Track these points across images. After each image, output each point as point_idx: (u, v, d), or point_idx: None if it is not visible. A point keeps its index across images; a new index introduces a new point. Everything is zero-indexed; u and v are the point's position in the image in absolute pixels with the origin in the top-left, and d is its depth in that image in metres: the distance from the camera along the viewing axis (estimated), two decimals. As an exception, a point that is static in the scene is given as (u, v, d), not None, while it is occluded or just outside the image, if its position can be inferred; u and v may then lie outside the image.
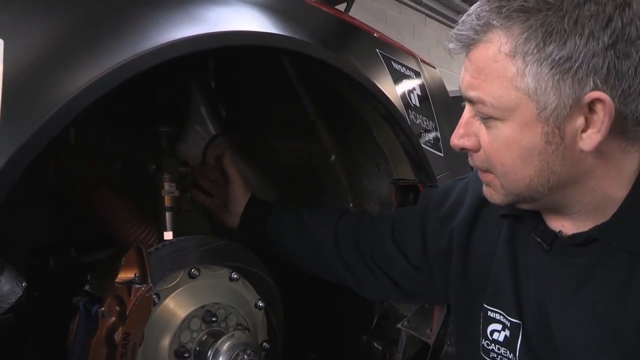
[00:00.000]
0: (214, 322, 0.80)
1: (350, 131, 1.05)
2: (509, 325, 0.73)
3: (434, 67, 1.23)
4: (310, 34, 0.86)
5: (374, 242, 0.92)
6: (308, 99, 1.05)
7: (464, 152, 0.69)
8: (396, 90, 1.01)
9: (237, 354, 0.77)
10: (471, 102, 0.65)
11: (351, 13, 1.66)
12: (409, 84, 1.06)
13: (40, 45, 0.56)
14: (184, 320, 0.78)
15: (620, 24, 0.56)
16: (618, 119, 0.58)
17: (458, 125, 0.67)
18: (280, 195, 1.21)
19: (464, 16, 0.64)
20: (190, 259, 0.83)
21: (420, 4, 5.48)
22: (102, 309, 0.68)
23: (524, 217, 0.73)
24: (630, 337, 0.61)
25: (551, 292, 0.69)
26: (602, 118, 0.58)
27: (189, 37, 0.64)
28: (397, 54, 1.08)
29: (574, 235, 0.67)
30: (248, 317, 0.86)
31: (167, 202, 0.91)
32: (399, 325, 1.03)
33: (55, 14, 0.59)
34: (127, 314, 0.68)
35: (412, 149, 0.97)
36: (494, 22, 0.60)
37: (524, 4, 0.58)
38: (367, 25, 1.10)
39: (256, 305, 0.89)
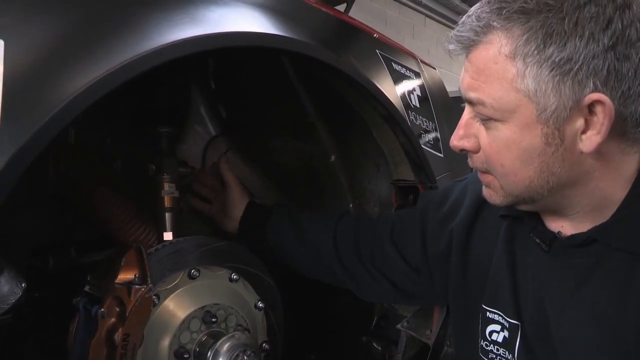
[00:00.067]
0: (213, 322, 0.80)
1: (350, 132, 1.05)
2: (507, 326, 0.73)
3: (434, 68, 1.23)
4: (310, 34, 0.86)
5: (373, 246, 0.92)
6: (308, 100, 1.05)
7: (463, 153, 0.69)
8: (396, 91, 1.01)
9: (237, 355, 0.77)
10: (471, 103, 0.65)
11: (351, 14, 1.66)
12: (409, 85, 1.06)
13: (41, 46, 0.56)
14: (183, 321, 0.78)
15: (620, 25, 0.56)
16: (618, 121, 0.59)
17: (458, 127, 0.67)
18: (280, 196, 1.21)
19: (464, 17, 0.64)
20: (190, 259, 0.83)
21: (420, 4, 5.48)
22: (102, 309, 0.68)
23: (523, 217, 0.73)
24: (629, 337, 0.61)
25: (550, 293, 0.69)
26: (601, 120, 0.58)
27: (189, 37, 0.64)
28: (397, 54, 1.08)
29: (573, 236, 0.67)
30: (248, 317, 0.86)
31: (167, 202, 0.91)
32: (398, 326, 1.03)
33: (56, 14, 0.59)
34: (127, 314, 0.68)
35: (412, 149, 0.97)
36: (494, 23, 0.60)
37: (524, 5, 0.58)
38: (367, 26, 1.10)
39: (256, 306, 0.89)
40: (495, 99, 0.61)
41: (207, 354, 0.78)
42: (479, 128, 0.65)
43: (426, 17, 5.73)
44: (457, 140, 0.67)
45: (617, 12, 0.57)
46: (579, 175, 0.63)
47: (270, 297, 0.92)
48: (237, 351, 0.77)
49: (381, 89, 0.92)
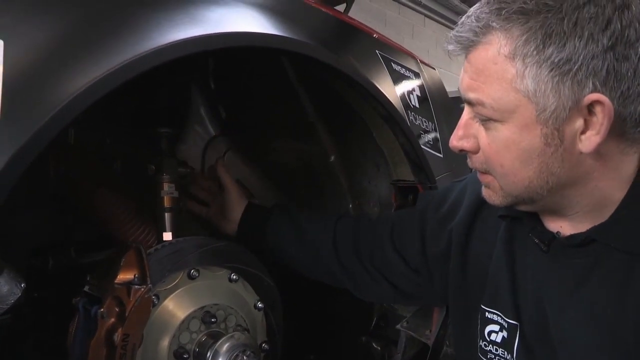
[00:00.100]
0: (213, 323, 0.80)
1: (350, 132, 1.05)
2: (506, 326, 0.73)
3: (433, 68, 1.23)
4: (310, 35, 0.86)
5: (373, 246, 0.92)
6: (308, 100, 1.05)
7: (463, 154, 0.69)
8: (396, 91, 1.01)
9: (237, 355, 0.77)
10: (470, 103, 0.65)
11: (350, 14, 1.66)
12: (409, 85, 1.07)
13: (41, 46, 0.56)
14: (183, 321, 0.78)
15: (619, 26, 0.56)
16: (617, 121, 0.59)
17: (457, 127, 0.67)
18: (280, 196, 1.21)
19: (463, 18, 0.64)
20: (190, 259, 0.83)
21: (419, 4, 5.48)
22: (102, 309, 0.68)
23: (522, 218, 0.73)
24: (628, 337, 0.61)
25: (549, 293, 0.69)
26: (601, 120, 0.58)
27: (189, 37, 0.65)
28: (397, 54, 1.08)
29: (572, 236, 0.67)
30: (247, 318, 0.86)
31: (167, 202, 0.91)
32: (398, 326, 1.03)
33: (56, 14, 0.59)
34: (127, 314, 0.68)
35: (411, 150, 0.97)
36: (494, 24, 0.60)
37: (524, 5, 0.58)
38: (367, 26, 1.10)
39: (255, 306, 0.89)
40: (495, 100, 0.61)
41: (206, 354, 0.78)
42: (478, 128, 0.65)
43: (425, 17, 5.74)
44: (457, 140, 0.67)
45: (616, 12, 0.57)
46: (578, 175, 0.63)
47: (270, 298, 0.92)
48: (236, 351, 0.77)
49: (381, 89, 0.92)
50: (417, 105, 1.05)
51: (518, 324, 0.72)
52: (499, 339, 0.74)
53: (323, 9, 0.99)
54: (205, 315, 0.80)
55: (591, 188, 0.64)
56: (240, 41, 0.72)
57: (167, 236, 0.90)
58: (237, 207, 1.00)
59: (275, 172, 1.20)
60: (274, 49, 0.78)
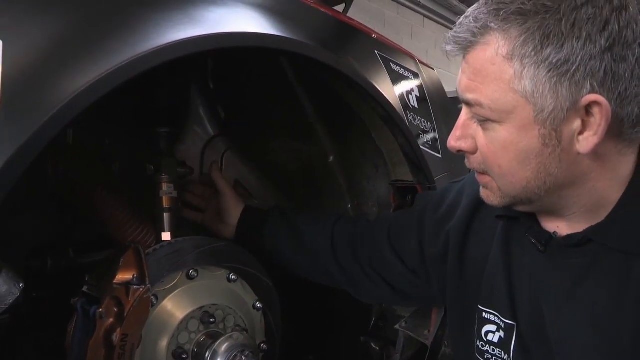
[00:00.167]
0: (212, 323, 0.80)
1: (349, 132, 1.05)
2: (503, 326, 0.74)
3: (432, 68, 1.24)
4: (308, 35, 0.87)
5: (371, 249, 0.92)
6: (307, 101, 1.05)
7: (460, 154, 0.69)
8: (395, 92, 1.01)
9: (235, 355, 0.77)
10: (468, 104, 0.65)
11: (349, 14, 1.67)
12: (408, 85, 1.07)
13: (40, 46, 0.56)
14: (182, 322, 0.78)
15: (617, 27, 0.57)
16: (614, 122, 0.59)
17: (455, 127, 0.68)
18: (278, 196, 1.21)
19: (461, 18, 0.64)
20: (189, 260, 0.83)
21: (419, 5, 5.48)
22: (100, 310, 0.68)
23: (519, 218, 0.73)
24: (625, 337, 0.61)
25: (546, 293, 0.69)
26: (599, 121, 0.58)
27: (188, 38, 0.65)
28: (396, 55, 1.08)
29: (569, 236, 0.68)
30: (246, 318, 0.86)
31: (165, 203, 0.91)
32: (396, 327, 1.03)
33: (55, 14, 0.59)
34: (125, 315, 0.68)
35: (410, 150, 0.97)
36: (492, 24, 0.60)
37: (522, 6, 0.58)
38: (366, 27, 1.10)
39: (254, 307, 0.89)
40: (493, 100, 0.61)
41: (205, 354, 0.78)
42: (476, 129, 0.66)
43: (425, 18, 5.74)
44: (455, 141, 0.67)
45: (614, 13, 0.57)
46: (576, 176, 0.63)
47: (269, 298, 0.93)
48: (235, 351, 0.77)
49: (380, 89, 0.92)
50: (416, 106, 1.06)
51: (515, 324, 0.72)
52: (496, 339, 0.74)
53: (322, 9, 0.99)
54: (204, 316, 0.80)
55: (589, 188, 0.64)
56: (237, 41, 0.73)
57: (166, 236, 0.90)
58: (234, 210, 1.00)
59: (274, 172, 1.20)
60: (272, 49, 0.78)
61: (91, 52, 0.58)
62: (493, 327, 0.75)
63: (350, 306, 1.07)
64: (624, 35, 0.57)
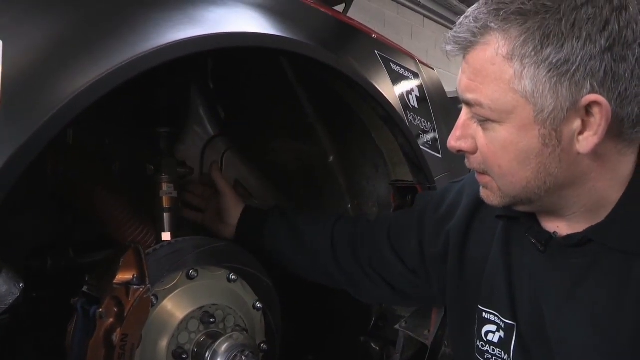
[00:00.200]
0: (212, 323, 0.80)
1: (349, 133, 1.05)
2: (503, 326, 0.74)
3: (432, 68, 1.24)
4: (309, 35, 0.87)
5: (371, 249, 0.92)
6: (307, 101, 1.05)
7: (460, 154, 0.69)
8: (395, 92, 1.01)
9: (235, 355, 0.77)
10: (468, 104, 0.65)
11: (349, 14, 1.67)
12: (408, 85, 1.07)
13: (40, 46, 0.56)
14: (182, 322, 0.78)
15: (617, 27, 0.57)
16: (614, 122, 0.59)
17: (455, 127, 0.68)
18: (278, 196, 1.21)
19: (461, 18, 0.64)
20: (189, 260, 0.83)
21: (419, 5, 5.48)
22: (100, 310, 0.68)
23: (519, 218, 0.73)
24: (625, 337, 0.61)
25: (546, 293, 0.69)
26: (598, 121, 0.58)
27: (188, 38, 0.65)
28: (396, 55, 1.08)
29: (569, 236, 0.68)
30: (246, 318, 0.86)
31: (165, 203, 0.91)
32: (396, 327, 1.03)
33: (55, 14, 0.59)
34: (125, 315, 0.68)
35: (410, 150, 0.97)
36: (492, 24, 0.60)
37: (522, 6, 0.58)
38: (366, 27, 1.10)
39: (254, 307, 0.89)
40: (493, 100, 0.61)
41: (205, 354, 0.78)
42: (476, 129, 0.66)
43: (425, 18, 5.74)
44: (455, 141, 0.67)
45: (614, 13, 0.57)
46: (576, 176, 0.63)
47: (269, 298, 0.93)
48: (235, 351, 0.77)
49: (380, 89, 0.92)
50: (416, 106, 1.06)
51: (515, 324, 0.72)
52: (496, 339, 0.74)
53: (322, 9, 0.99)
54: (204, 316, 0.80)
55: (589, 188, 0.64)
56: (238, 41, 0.73)
57: (166, 236, 0.90)
58: (233, 210, 1.00)
59: (274, 172, 1.20)
60: (272, 49, 0.78)
61: (91, 52, 0.58)
62: (493, 327, 0.75)
63: (350, 306, 1.07)
64: (624, 35, 0.57)
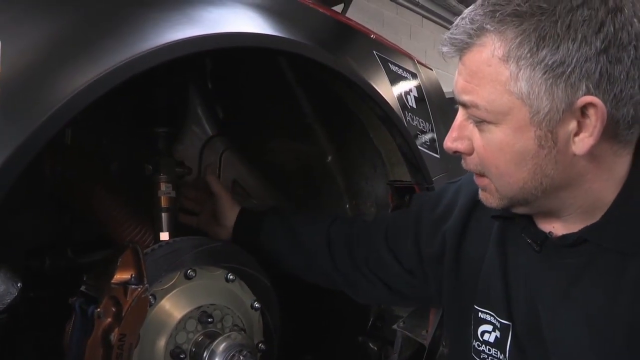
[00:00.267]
0: (210, 323, 0.80)
1: (348, 133, 1.06)
2: (499, 326, 0.74)
3: (431, 69, 1.24)
4: (307, 35, 0.87)
5: (368, 249, 0.93)
6: (305, 101, 1.05)
7: (457, 155, 0.70)
8: (393, 92, 1.02)
9: (233, 355, 0.77)
10: (464, 105, 0.65)
11: (348, 14, 1.67)
12: (406, 86, 1.07)
13: (39, 46, 0.56)
14: (180, 321, 0.78)
15: (612, 29, 0.57)
16: (610, 123, 0.59)
17: (451, 129, 0.68)
18: (277, 196, 1.21)
19: (457, 20, 0.65)
20: (186, 259, 0.83)
21: (417, 5, 5.48)
22: (98, 309, 0.68)
23: (515, 218, 0.73)
24: (620, 336, 0.62)
25: (542, 293, 0.69)
26: (594, 122, 0.58)
27: (187, 38, 0.65)
28: (394, 55, 1.08)
29: (564, 236, 0.68)
30: (244, 318, 0.86)
31: (164, 203, 0.91)
32: (394, 327, 1.04)
33: (54, 14, 0.59)
34: (123, 314, 0.68)
35: (408, 150, 0.98)
36: (488, 26, 0.60)
37: (518, 8, 0.59)
38: (364, 27, 1.10)
39: (252, 306, 0.89)
40: (489, 102, 0.61)
41: (203, 354, 0.78)
42: (472, 130, 0.66)
43: (423, 18, 5.74)
44: (451, 142, 0.68)
45: (609, 15, 0.57)
46: (572, 177, 0.63)
47: (267, 298, 0.93)
48: (233, 351, 0.77)
49: (378, 90, 0.93)
50: (414, 106, 1.06)
51: (510, 323, 0.73)
52: (491, 339, 0.75)
53: (320, 10, 0.99)
54: (202, 315, 0.80)
55: (585, 189, 0.64)
56: (237, 42, 0.73)
57: (164, 236, 0.90)
58: (229, 212, 1.00)
59: (272, 172, 1.21)
60: (271, 50, 0.78)
61: (89, 52, 0.58)
62: (489, 327, 0.75)
63: (348, 306, 1.07)
64: (619, 37, 0.57)
